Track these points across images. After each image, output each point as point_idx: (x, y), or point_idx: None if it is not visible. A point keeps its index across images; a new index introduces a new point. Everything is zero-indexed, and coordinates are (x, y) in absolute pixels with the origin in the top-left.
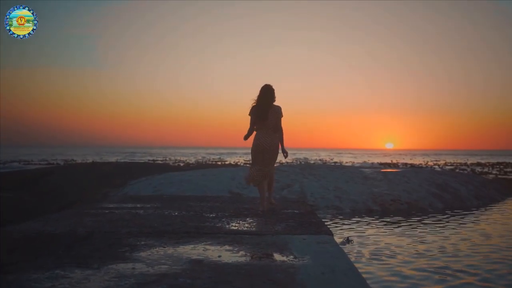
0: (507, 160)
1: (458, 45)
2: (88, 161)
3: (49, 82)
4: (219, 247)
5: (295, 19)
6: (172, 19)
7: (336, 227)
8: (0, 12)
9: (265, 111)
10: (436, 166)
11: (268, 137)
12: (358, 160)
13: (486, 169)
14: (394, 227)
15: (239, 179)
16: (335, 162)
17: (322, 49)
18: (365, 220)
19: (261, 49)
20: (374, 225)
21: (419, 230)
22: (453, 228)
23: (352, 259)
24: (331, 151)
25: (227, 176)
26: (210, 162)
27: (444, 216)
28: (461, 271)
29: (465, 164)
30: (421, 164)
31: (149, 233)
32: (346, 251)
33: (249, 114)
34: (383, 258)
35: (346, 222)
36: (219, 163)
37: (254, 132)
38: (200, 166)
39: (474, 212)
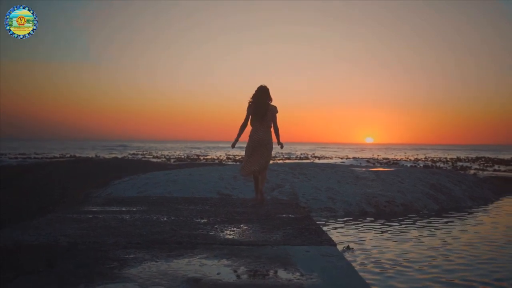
0: (486, 155)
1: (437, 39)
2: (66, 156)
3: (29, 75)
4: (216, 261)
5: (271, 11)
6: (147, 15)
7: (333, 231)
8: (0, 12)
9: (264, 109)
10: (421, 162)
11: (264, 134)
12: (340, 154)
13: (467, 164)
14: (394, 232)
15: (227, 179)
16: (318, 157)
17: (300, 44)
18: (362, 223)
19: (242, 44)
20: (372, 229)
21: (421, 235)
22: (458, 230)
23: (357, 269)
24: (311, 145)
25: (214, 176)
26: (192, 157)
27: (442, 219)
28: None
29: (445, 159)
30: (405, 159)
31: (138, 243)
32: (349, 259)
33: (247, 110)
34: (392, 269)
35: (341, 226)
36: (201, 157)
37: (251, 128)
38: (182, 160)
39: (471, 214)
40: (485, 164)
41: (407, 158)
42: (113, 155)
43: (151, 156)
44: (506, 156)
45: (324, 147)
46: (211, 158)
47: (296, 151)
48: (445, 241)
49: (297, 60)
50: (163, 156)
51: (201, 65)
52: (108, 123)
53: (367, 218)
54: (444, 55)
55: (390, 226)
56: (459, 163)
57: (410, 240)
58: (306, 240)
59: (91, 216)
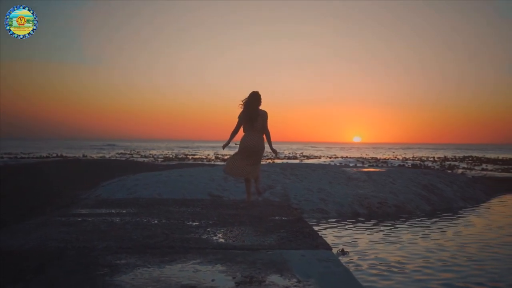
0: (473, 154)
1: (426, 39)
2: (53, 156)
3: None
4: (210, 267)
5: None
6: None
7: (326, 233)
8: (0, 12)
9: (255, 115)
10: (409, 161)
11: (256, 139)
12: (328, 153)
13: (455, 163)
14: (387, 233)
15: (218, 180)
16: (307, 156)
17: (288, 43)
18: (354, 225)
19: (230, 44)
20: (365, 231)
21: (414, 236)
22: (452, 232)
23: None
24: (299, 145)
25: (205, 177)
26: (180, 156)
27: (435, 220)
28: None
29: (433, 158)
30: (393, 158)
31: (129, 248)
32: (344, 263)
33: (238, 117)
34: (388, 273)
35: (334, 228)
36: (190, 156)
37: (243, 133)
38: (170, 160)
39: (463, 215)
40: (473, 163)
41: (395, 157)
42: (101, 155)
43: (139, 156)
44: (492, 155)
45: (313, 146)
46: (199, 158)
47: (284, 150)
48: (439, 243)
49: (283, 59)
50: (151, 156)
51: (189, 65)
52: (95, 122)
53: (360, 220)
54: (431, 56)
55: (383, 227)
56: (447, 162)
57: (404, 242)
58: (301, 244)
59: (80, 219)
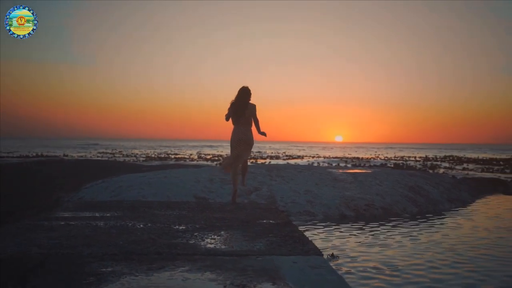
0: (454, 154)
1: (408, 37)
2: (32, 156)
3: None
4: (199, 275)
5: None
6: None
7: (314, 237)
8: (0, 12)
9: (242, 109)
10: (391, 161)
11: (244, 132)
12: (311, 153)
13: (437, 163)
14: (376, 237)
15: (203, 182)
16: (290, 156)
17: (266, 41)
18: (342, 228)
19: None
20: (354, 235)
21: (403, 239)
22: (441, 235)
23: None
24: (281, 144)
25: (190, 178)
26: (162, 156)
27: (423, 222)
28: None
29: (415, 158)
30: (375, 158)
31: (114, 254)
32: (335, 268)
33: (228, 109)
34: (380, 276)
35: (322, 231)
36: (172, 156)
37: (233, 126)
38: (152, 159)
39: (450, 217)
40: (454, 163)
41: (377, 157)
42: (81, 154)
43: (121, 155)
44: (473, 155)
45: (295, 146)
46: (182, 157)
47: (267, 150)
48: (428, 246)
49: (263, 58)
50: (133, 155)
51: (163, 65)
52: (78, 121)
53: (347, 222)
54: (411, 56)
55: (371, 230)
56: (429, 162)
57: (394, 245)
58: (292, 249)
59: (63, 223)
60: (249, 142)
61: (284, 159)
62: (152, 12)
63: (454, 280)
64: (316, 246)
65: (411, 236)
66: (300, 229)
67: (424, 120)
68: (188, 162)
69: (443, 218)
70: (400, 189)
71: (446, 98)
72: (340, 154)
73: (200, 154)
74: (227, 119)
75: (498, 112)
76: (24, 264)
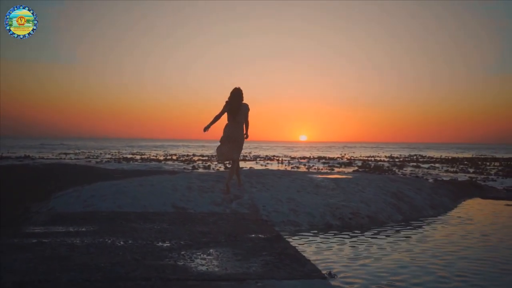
0: (418, 153)
1: (378, 35)
2: None
3: None
4: None
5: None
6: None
7: (304, 249)
8: (0, 12)
9: (237, 109)
10: (358, 162)
11: (237, 130)
12: (276, 153)
13: (405, 162)
14: (367, 248)
15: (181, 190)
16: (260, 157)
17: (231, 40)
18: (330, 239)
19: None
20: (345, 246)
21: (397, 250)
22: (433, 244)
23: None
24: (246, 144)
25: (167, 186)
26: (126, 156)
27: (411, 231)
28: None
29: (379, 157)
30: (340, 157)
31: (97, 281)
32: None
33: (223, 107)
34: None
35: (311, 243)
36: (138, 157)
37: (226, 122)
38: (117, 160)
39: (436, 224)
40: (419, 162)
41: (343, 156)
42: (42, 155)
43: (84, 157)
44: (436, 154)
45: (258, 146)
46: (147, 158)
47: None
48: (423, 256)
49: (225, 56)
50: (93, 157)
51: (134, 63)
52: (46, 119)
53: (334, 232)
54: (378, 54)
55: (361, 241)
56: (396, 160)
57: (388, 257)
58: (292, 271)
59: (35, 240)
60: (239, 139)
61: (256, 161)
62: (140, 12)
63: None
64: (315, 267)
65: (403, 246)
66: (287, 240)
67: (386, 120)
68: (163, 165)
69: (429, 225)
70: (383, 195)
71: (407, 98)
72: (307, 154)
73: (167, 155)
74: (218, 117)
75: (463, 112)
76: None
